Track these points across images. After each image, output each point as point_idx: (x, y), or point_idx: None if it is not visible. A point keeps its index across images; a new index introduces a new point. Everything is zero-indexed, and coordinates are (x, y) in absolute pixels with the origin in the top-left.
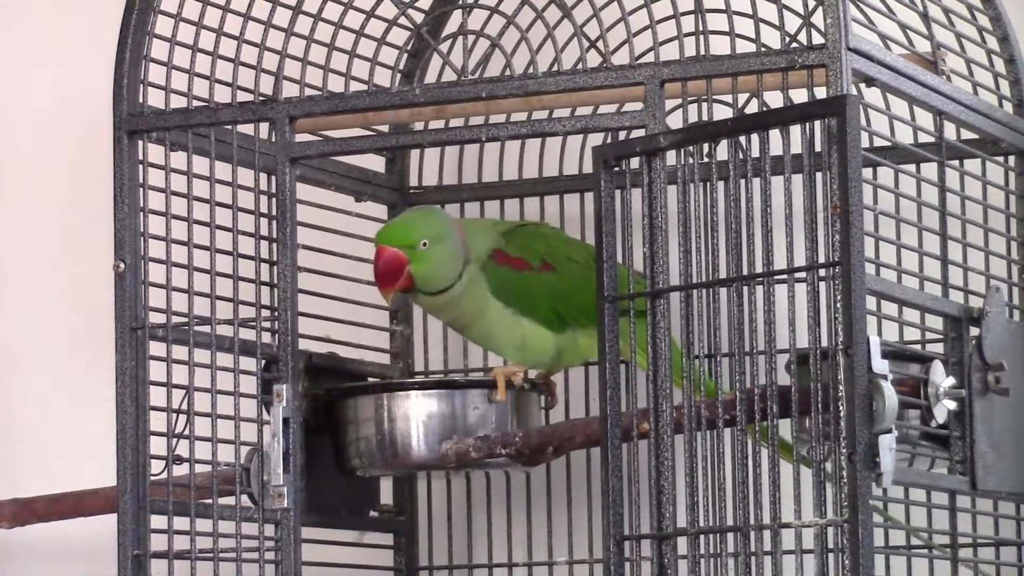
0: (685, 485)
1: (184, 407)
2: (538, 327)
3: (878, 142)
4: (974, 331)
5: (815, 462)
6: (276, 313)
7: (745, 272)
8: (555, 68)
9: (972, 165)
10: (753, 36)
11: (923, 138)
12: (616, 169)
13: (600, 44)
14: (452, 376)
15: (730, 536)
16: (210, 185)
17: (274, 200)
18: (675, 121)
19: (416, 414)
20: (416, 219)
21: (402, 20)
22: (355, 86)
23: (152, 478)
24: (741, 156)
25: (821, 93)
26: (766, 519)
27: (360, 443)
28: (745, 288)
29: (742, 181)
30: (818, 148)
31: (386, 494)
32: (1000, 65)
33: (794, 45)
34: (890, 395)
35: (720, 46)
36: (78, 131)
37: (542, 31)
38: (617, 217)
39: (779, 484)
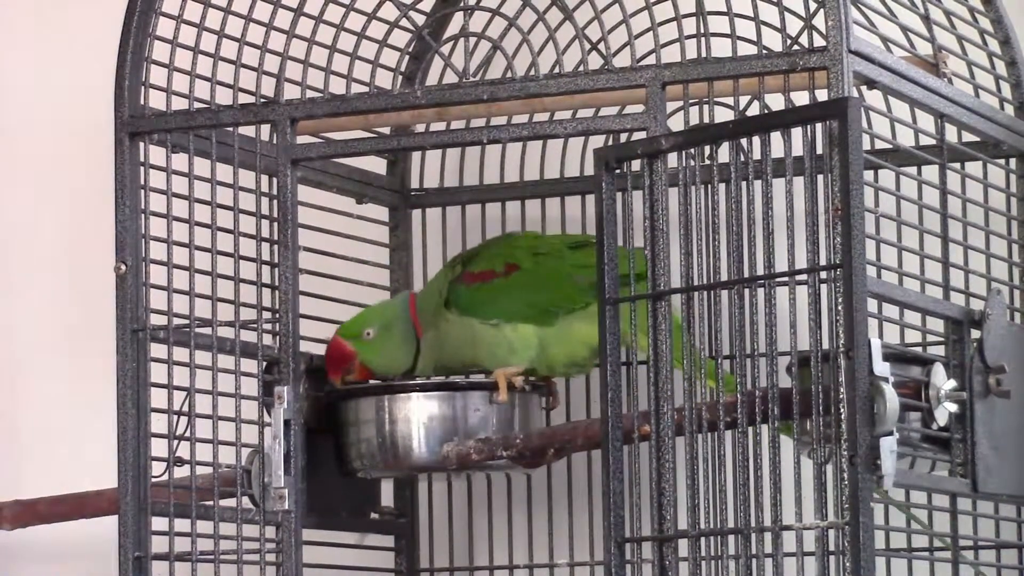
0: (686, 487)
1: (185, 409)
2: (520, 327)
3: (879, 144)
4: (975, 334)
5: (816, 464)
6: (277, 315)
7: (746, 274)
8: (556, 70)
9: (973, 168)
10: (754, 38)
11: (924, 140)
12: (617, 171)
13: (602, 46)
14: (453, 378)
15: (731, 538)
16: (211, 187)
17: (275, 202)
18: (676, 123)
19: (417, 416)
20: (368, 311)
21: (403, 22)
22: (356, 88)
23: (153, 480)
24: (742, 158)
25: (822, 95)
26: (767, 521)
27: (361, 445)
28: (746, 290)
29: (743, 183)
30: (819, 150)
31: (387, 496)
32: (1001, 68)
33: (795, 47)
34: (891, 397)
35: (721, 48)
36: (79, 133)
37: (544, 33)
38: (618, 219)
39: (780, 486)
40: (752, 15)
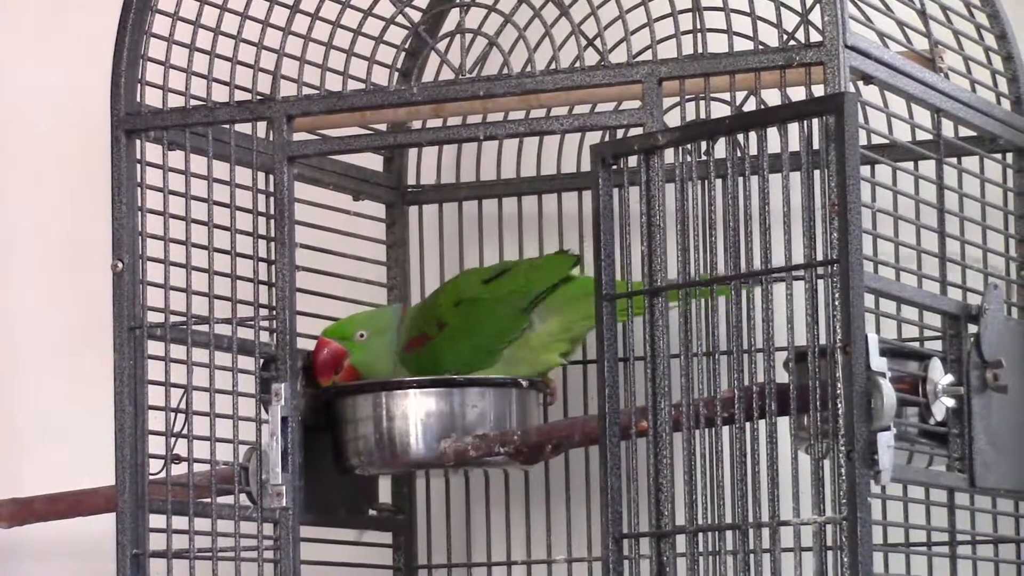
0: (684, 483)
1: (182, 406)
2: (479, 368)
3: (876, 139)
4: (972, 328)
5: (814, 459)
6: (274, 312)
7: (743, 270)
8: (553, 66)
9: (970, 162)
10: (751, 34)
11: (921, 135)
12: (614, 167)
13: (598, 42)
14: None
15: (729, 534)
16: (208, 184)
17: (272, 199)
18: (673, 119)
19: (414, 413)
20: (360, 315)
21: (400, 19)
22: (353, 85)
23: (151, 477)
24: (739, 154)
25: (819, 91)
26: (765, 517)
27: (359, 442)
28: (743, 286)
29: (740, 179)
30: (816, 146)
31: (385, 493)
32: (998, 62)
33: (792, 43)
34: (888, 393)
35: (718, 44)
36: (76, 131)
37: (540, 29)
38: (615, 215)
39: (778, 482)
40: (748, 11)
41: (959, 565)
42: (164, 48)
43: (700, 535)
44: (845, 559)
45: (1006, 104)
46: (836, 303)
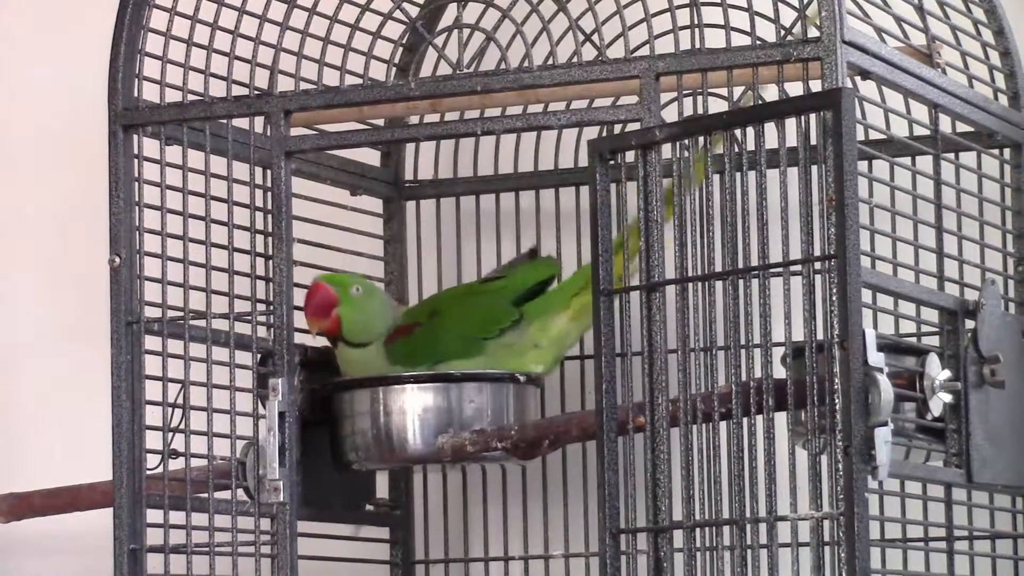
0: (681, 478)
1: (180, 401)
2: (458, 360)
3: (873, 135)
4: (970, 324)
5: (811, 454)
6: (272, 307)
7: (741, 265)
8: (550, 62)
9: (967, 158)
10: (748, 29)
11: (918, 131)
12: (611, 162)
13: (595, 37)
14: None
15: (726, 529)
16: (205, 179)
17: (269, 194)
18: (670, 114)
19: (412, 408)
20: (356, 274)
21: (397, 14)
22: (350, 80)
23: (148, 472)
24: (736, 149)
25: (816, 86)
26: (762, 512)
27: (356, 437)
28: (741, 281)
29: (737, 174)
30: (813, 141)
31: (382, 488)
32: (995, 58)
33: (789, 38)
34: (886, 388)
35: (715, 39)
36: (73, 126)
37: (537, 25)
38: (612, 210)
39: (775, 477)
40: (746, 6)
41: (956, 561)
42: (161, 43)
43: (697, 530)
44: (842, 554)
45: (1003, 100)
46: (833, 298)
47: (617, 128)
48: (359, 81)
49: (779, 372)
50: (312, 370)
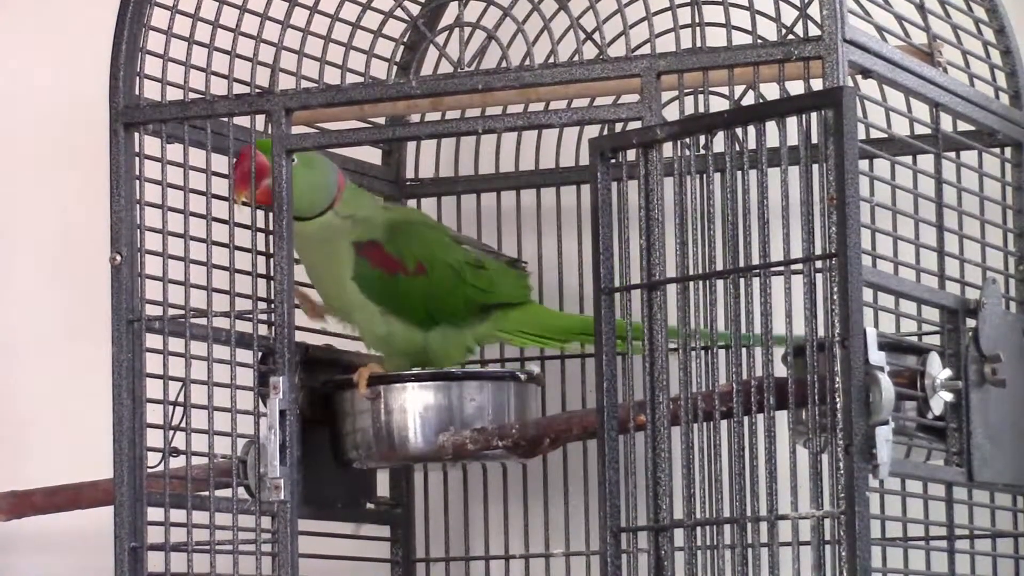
0: (682, 477)
1: (181, 399)
2: (408, 326)
3: (874, 134)
4: (971, 323)
5: (812, 453)
6: (273, 305)
7: (742, 264)
8: (551, 60)
9: (969, 157)
10: (749, 28)
11: (919, 130)
12: (613, 161)
13: (596, 36)
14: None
15: (727, 528)
16: (206, 177)
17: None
18: (671, 113)
19: (413, 406)
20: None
21: (398, 12)
22: (351, 78)
23: (149, 470)
24: (737, 148)
25: (817, 85)
26: (763, 511)
27: (357, 435)
28: (742, 280)
29: (738, 173)
30: (815, 140)
31: (383, 486)
32: (996, 56)
33: (790, 37)
34: (887, 387)
35: (716, 38)
36: (74, 124)
37: (538, 23)
38: (614, 209)
39: (776, 476)
40: (747, 4)
41: (957, 559)
42: (163, 41)
43: (698, 529)
44: (843, 553)
45: (1004, 98)
46: (834, 297)
47: (618, 127)
48: (360, 79)
49: (780, 371)
50: (313, 368)
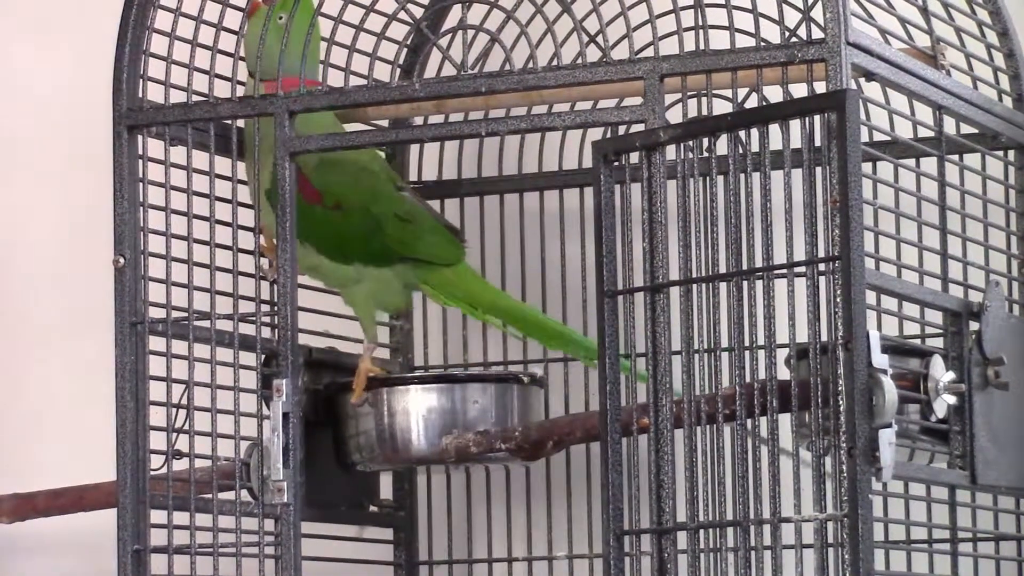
0: (685, 480)
1: (184, 402)
2: (330, 261)
3: (878, 136)
4: (974, 326)
5: (814, 456)
6: (276, 308)
7: (745, 267)
8: (554, 63)
9: (972, 159)
10: (752, 31)
11: (923, 133)
12: (616, 164)
13: (599, 39)
14: (452, 370)
15: (730, 531)
16: (210, 180)
17: None
18: (675, 116)
19: (416, 409)
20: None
21: (402, 15)
22: (355, 81)
23: (152, 473)
24: (741, 151)
25: (821, 88)
26: (766, 514)
27: (360, 438)
28: (745, 283)
29: (742, 176)
30: (818, 143)
31: (386, 489)
32: (1000, 59)
33: (793, 40)
34: (890, 390)
35: (719, 41)
36: (77, 126)
37: (542, 26)
38: (617, 212)
39: (779, 479)
40: (750, 7)
41: (960, 562)
42: (166, 43)
43: (701, 532)
44: (846, 556)
45: (1008, 101)
46: (838, 300)
47: (621, 129)
48: (364, 82)
49: (783, 374)
50: (316, 370)
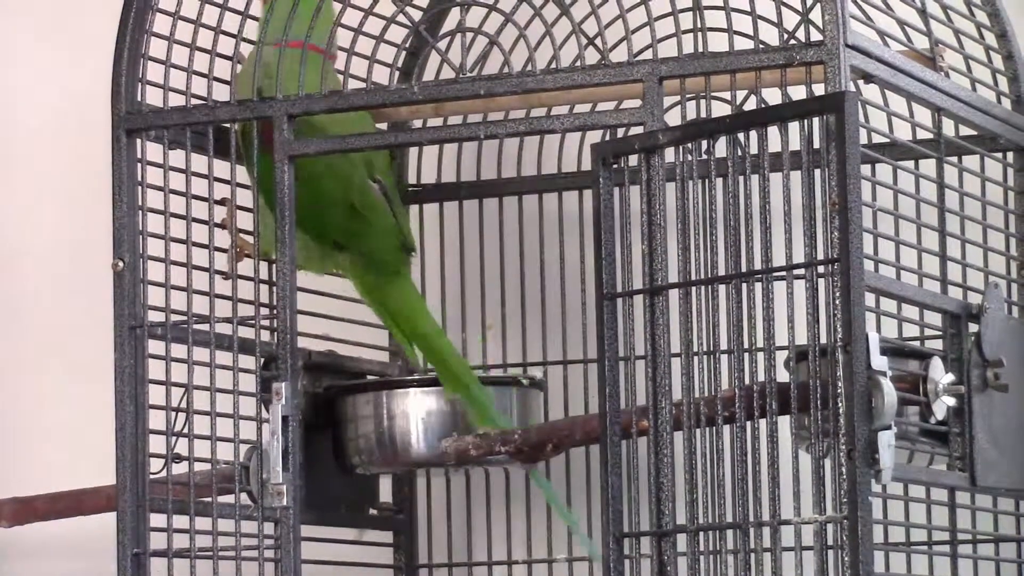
0: (684, 482)
1: (183, 405)
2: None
3: (876, 138)
4: (973, 328)
5: (815, 458)
6: (275, 311)
7: (744, 269)
8: (553, 65)
9: (971, 161)
10: (751, 33)
11: (921, 134)
12: (615, 166)
13: (598, 41)
14: None
15: (729, 533)
16: (209, 183)
17: None
18: (673, 118)
19: (415, 412)
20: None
21: (400, 18)
22: (353, 84)
23: (151, 476)
24: (740, 153)
25: (819, 90)
26: (765, 516)
27: (359, 441)
28: (744, 285)
29: (741, 178)
30: (817, 145)
31: (386, 492)
32: (998, 61)
33: (792, 42)
34: (889, 392)
35: (718, 43)
36: (76, 129)
37: (540, 28)
38: (616, 214)
39: (779, 481)
40: (749, 9)
41: (960, 564)
42: (165, 47)
43: (701, 534)
44: (846, 558)
45: (1007, 103)
46: (837, 302)
47: (620, 132)
48: (362, 85)
49: (782, 376)
50: (315, 374)
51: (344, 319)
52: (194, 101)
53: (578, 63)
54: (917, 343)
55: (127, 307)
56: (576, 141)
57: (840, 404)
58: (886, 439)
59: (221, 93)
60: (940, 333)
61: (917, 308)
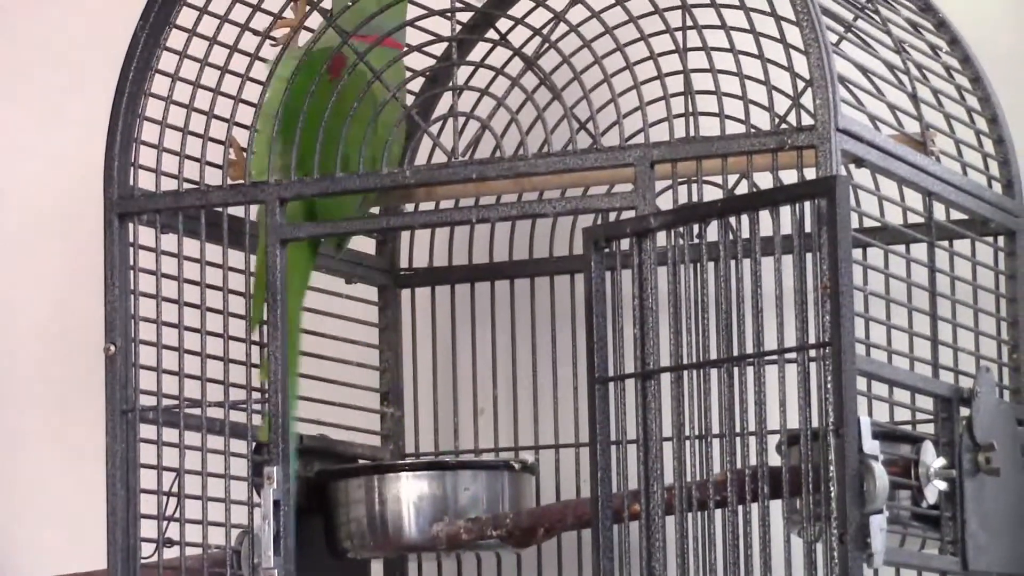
0: (676, 566)
1: (175, 489)
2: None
3: (868, 222)
4: (965, 412)
5: (806, 542)
6: (267, 395)
7: (735, 353)
8: (545, 149)
9: (962, 245)
10: (742, 117)
11: (913, 218)
12: (606, 250)
13: (590, 125)
14: (442, 457)
15: None
16: (201, 267)
17: None
18: (665, 202)
19: (407, 496)
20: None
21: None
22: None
23: (143, 561)
24: (731, 237)
25: (811, 174)
26: None
27: (351, 525)
28: (736, 369)
29: (732, 262)
30: (808, 228)
31: None
32: (989, 146)
33: (783, 126)
34: (881, 476)
35: (710, 127)
36: (69, 214)
37: (532, 113)
38: (608, 298)
39: (770, 565)
40: (740, 94)
41: None
42: (156, 131)
43: None
44: None
45: (997, 187)
46: (828, 386)
47: (612, 216)
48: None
49: (774, 460)
50: (307, 458)
51: (336, 403)
52: (186, 185)
53: (570, 147)
54: (909, 427)
55: (118, 391)
56: (568, 224)
57: (832, 488)
58: (878, 523)
59: (213, 177)
60: (932, 417)
61: (909, 392)
